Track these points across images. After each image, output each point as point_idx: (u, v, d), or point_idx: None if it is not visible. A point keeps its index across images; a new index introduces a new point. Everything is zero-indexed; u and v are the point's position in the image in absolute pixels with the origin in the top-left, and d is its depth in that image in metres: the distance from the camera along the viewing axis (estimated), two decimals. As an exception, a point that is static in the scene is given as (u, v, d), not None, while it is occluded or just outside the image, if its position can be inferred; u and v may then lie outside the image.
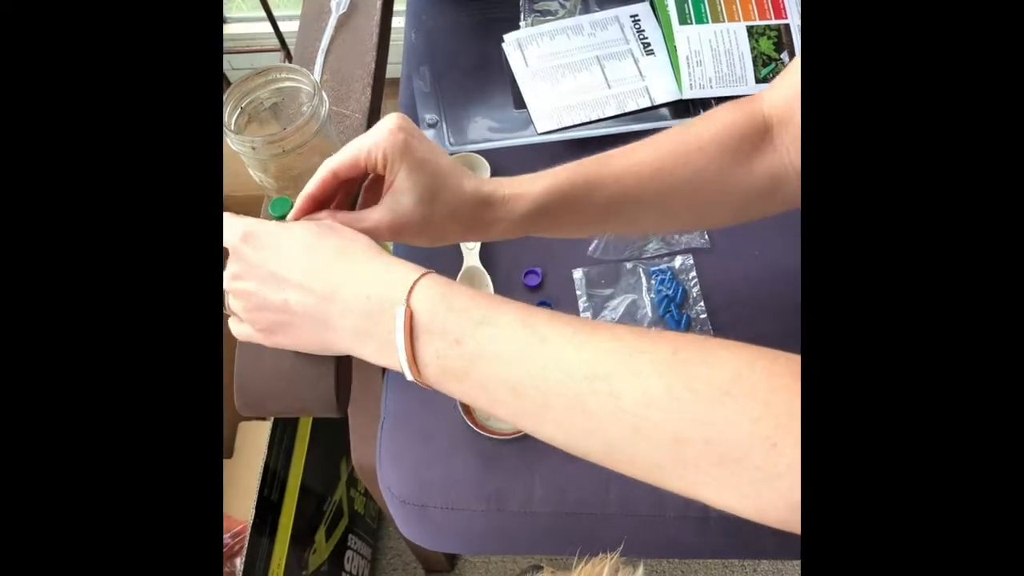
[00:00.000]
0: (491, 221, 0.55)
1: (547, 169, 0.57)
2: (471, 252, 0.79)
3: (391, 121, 0.53)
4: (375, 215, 0.54)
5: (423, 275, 0.48)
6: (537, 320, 0.45)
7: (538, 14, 0.91)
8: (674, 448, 0.41)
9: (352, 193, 0.58)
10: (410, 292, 0.46)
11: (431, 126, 0.87)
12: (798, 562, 1.15)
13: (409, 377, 0.47)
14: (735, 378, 0.40)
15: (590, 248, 0.79)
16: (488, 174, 0.83)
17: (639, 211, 0.59)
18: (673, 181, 0.58)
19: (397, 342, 0.46)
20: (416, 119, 0.89)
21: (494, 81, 0.89)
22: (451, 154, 0.84)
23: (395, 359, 0.47)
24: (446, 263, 0.79)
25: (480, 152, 0.84)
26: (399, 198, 0.53)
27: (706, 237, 0.80)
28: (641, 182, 0.57)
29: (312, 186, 0.54)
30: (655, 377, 0.41)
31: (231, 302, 0.53)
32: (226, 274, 0.52)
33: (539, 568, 0.56)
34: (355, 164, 0.53)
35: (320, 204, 0.55)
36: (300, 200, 0.55)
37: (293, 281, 0.49)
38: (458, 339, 0.45)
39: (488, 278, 0.77)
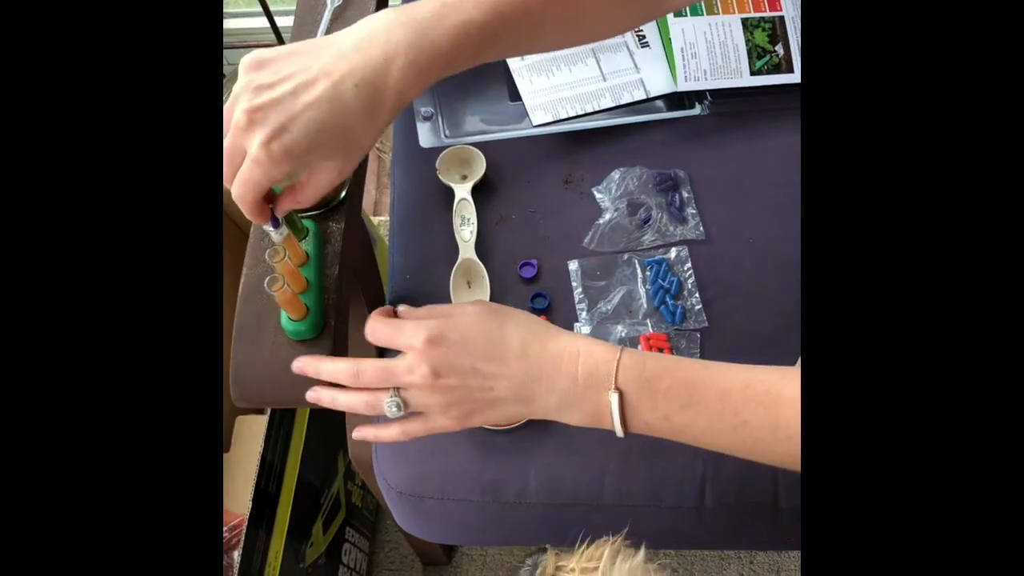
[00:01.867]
0: (400, 97, 0.51)
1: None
2: (467, 244, 0.79)
3: (250, 136, 0.49)
4: (322, 181, 0.52)
5: (621, 355, 0.54)
6: (733, 399, 0.53)
7: (533, 7, 0.91)
8: None
9: None
10: (616, 376, 0.53)
11: (426, 119, 0.87)
12: (795, 553, 1.15)
13: (620, 435, 0.55)
14: None
15: (585, 240, 0.80)
16: (484, 167, 0.83)
17: (546, 33, 0.59)
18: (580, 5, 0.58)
19: (613, 419, 0.54)
20: (410, 107, 0.89)
21: (489, 74, 0.89)
22: (447, 147, 0.84)
23: (601, 424, 0.55)
24: (442, 255, 0.79)
25: (475, 144, 0.84)
26: (324, 165, 0.51)
27: (701, 229, 0.80)
28: (546, 7, 0.56)
29: (252, 215, 0.53)
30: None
31: (418, 398, 0.55)
32: (415, 375, 0.54)
33: (544, 550, 0.58)
34: (262, 192, 0.51)
35: (265, 211, 0.54)
36: (254, 220, 0.54)
37: (494, 372, 0.54)
38: (666, 416, 0.54)
39: (484, 270, 0.78)
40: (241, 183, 0.50)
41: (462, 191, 0.82)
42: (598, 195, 0.82)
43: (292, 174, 0.52)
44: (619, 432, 0.54)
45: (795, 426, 0.52)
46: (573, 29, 0.60)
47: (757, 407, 0.53)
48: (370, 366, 0.55)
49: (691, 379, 0.54)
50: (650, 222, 0.80)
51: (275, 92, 0.49)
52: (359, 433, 0.60)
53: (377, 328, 0.56)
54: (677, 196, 0.81)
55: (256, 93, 0.49)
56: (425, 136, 0.86)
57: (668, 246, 0.79)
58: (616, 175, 0.82)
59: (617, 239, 0.80)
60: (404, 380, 0.54)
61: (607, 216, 0.81)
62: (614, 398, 0.53)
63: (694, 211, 0.81)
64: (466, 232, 0.80)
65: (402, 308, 0.59)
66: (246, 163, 0.50)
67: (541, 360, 0.54)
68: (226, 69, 1.55)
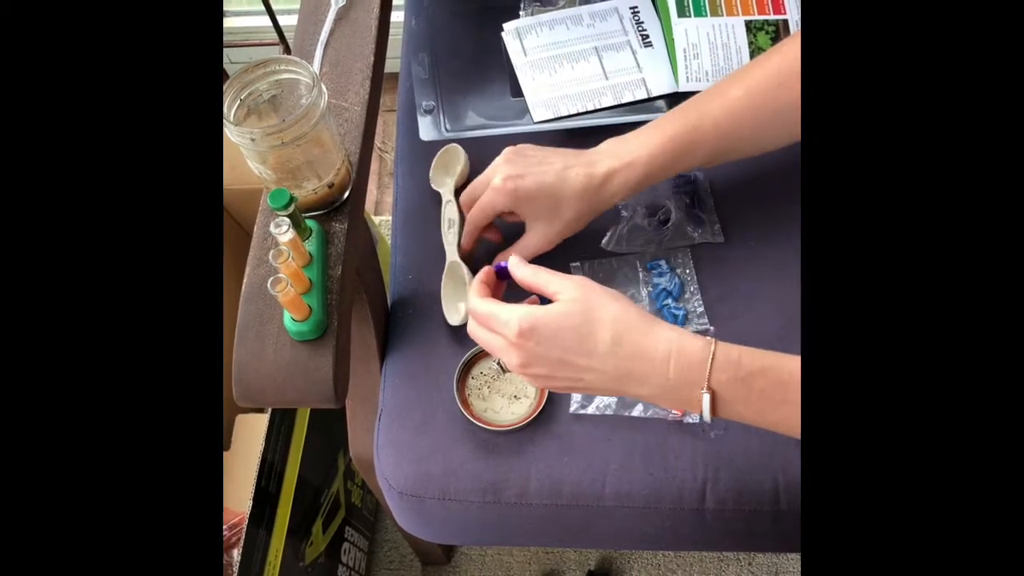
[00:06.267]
0: (609, 196, 0.70)
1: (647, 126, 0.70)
2: (451, 248, 0.77)
3: (500, 173, 0.69)
4: (531, 242, 0.72)
5: (714, 354, 0.55)
6: None
7: (538, 3, 0.91)
8: None
9: None
10: (708, 377, 0.54)
11: (428, 112, 0.86)
12: (795, 555, 1.15)
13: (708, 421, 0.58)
14: None
15: (603, 240, 0.79)
16: (463, 166, 0.81)
17: (735, 148, 0.71)
18: (764, 117, 0.68)
19: (703, 413, 0.55)
20: (413, 105, 0.88)
21: (492, 69, 0.89)
22: (447, 141, 0.83)
23: (694, 411, 0.57)
24: (435, 257, 0.79)
25: (476, 140, 0.83)
26: (534, 225, 0.71)
27: (721, 235, 0.79)
28: (737, 124, 0.68)
29: (468, 242, 0.75)
30: None
31: (514, 371, 0.60)
32: (507, 361, 0.59)
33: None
34: (489, 218, 0.72)
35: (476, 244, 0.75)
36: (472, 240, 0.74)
37: (584, 365, 0.56)
38: (759, 411, 0.55)
39: (468, 275, 0.75)
40: (479, 206, 0.71)
41: (447, 194, 0.81)
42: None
43: (509, 210, 0.70)
44: (708, 420, 0.57)
45: None
46: (757, 137, 0.71)
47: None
48: (481, 331, 0.61)
49: (787, 379, 0.54)
50: (669, 224, 0.79)
51: (529, 161, 0.70)
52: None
53: (477, 307, 0.60)
54: (693, 198, 0.80)
55: (511, 165, 0.70)
56: (426, 129, 0.85)
57: (676, 249, 0.79)
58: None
59: (634, 239, 0.78)
60: (500, 357, 0.61)
61: (625, 215, 0.79)
62: (706, 397, 0.54)
63: (703, 214, 0.80)
64: (451, 235, 0.79)
65: (513, 260, 0.62)
66: (488, 191, 0.70)
67: (632, 358, 0.55)
68: (228, 68, 1.54)
